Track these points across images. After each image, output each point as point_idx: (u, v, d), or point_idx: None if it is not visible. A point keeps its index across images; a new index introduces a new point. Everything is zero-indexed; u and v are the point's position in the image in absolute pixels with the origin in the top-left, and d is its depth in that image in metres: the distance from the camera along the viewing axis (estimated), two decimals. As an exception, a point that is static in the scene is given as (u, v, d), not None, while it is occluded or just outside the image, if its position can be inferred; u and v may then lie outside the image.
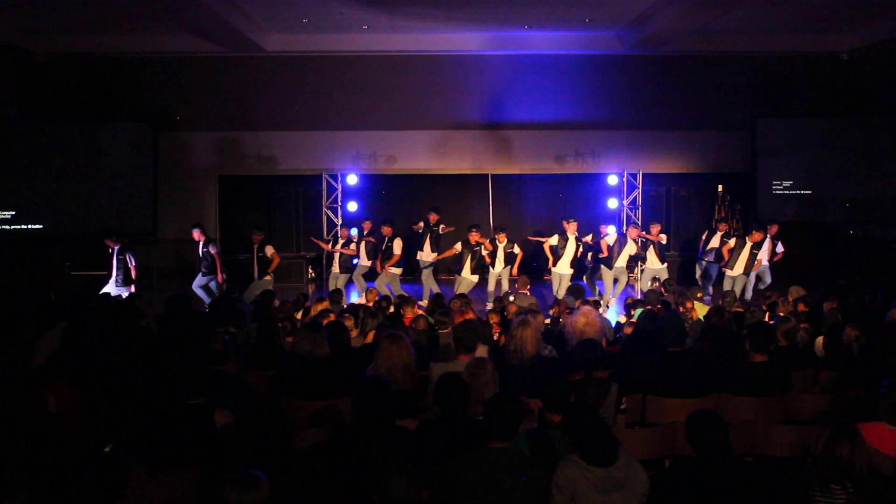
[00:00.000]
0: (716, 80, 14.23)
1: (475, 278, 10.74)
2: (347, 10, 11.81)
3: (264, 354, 5.74)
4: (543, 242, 11.05)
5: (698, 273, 12.12)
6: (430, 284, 11.24)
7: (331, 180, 13.80)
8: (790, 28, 13.06)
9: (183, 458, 3.39)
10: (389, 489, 2.65)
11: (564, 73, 14.26)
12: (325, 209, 13.77)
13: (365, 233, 11.49)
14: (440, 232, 11.43)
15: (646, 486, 3.13)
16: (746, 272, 10.62)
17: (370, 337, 6.41)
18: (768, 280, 11.33)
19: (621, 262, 10.87)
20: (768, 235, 11.27)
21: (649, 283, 10.75)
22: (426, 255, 11.37)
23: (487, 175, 14.31)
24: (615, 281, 10.98)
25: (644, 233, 11.07)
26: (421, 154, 14.40)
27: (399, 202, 14.28)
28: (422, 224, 11.59)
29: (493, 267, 10.93)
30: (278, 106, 14.21)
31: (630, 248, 10.84)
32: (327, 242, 12.03)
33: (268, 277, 10.60)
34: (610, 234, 11.10)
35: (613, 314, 9.88)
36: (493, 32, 13.39)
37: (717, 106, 14.28)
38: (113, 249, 10.57)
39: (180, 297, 7.50)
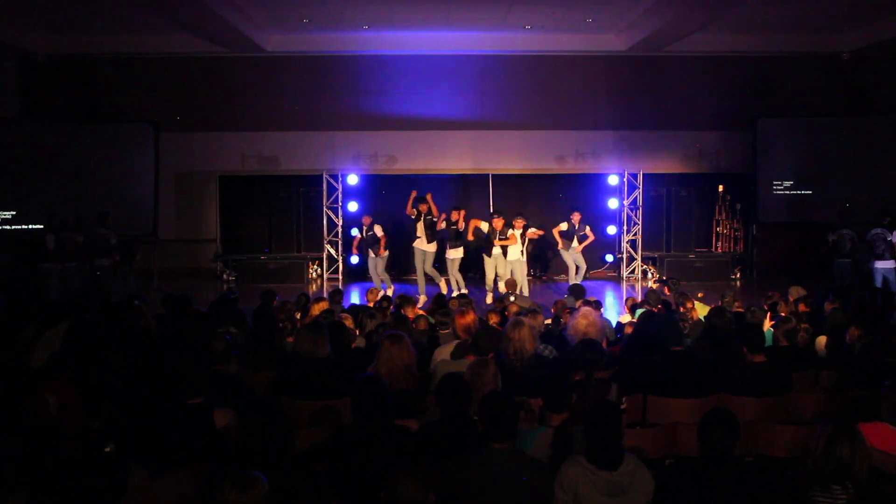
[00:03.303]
0: (716, 80, 14.23)
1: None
2: (348, 9, 11.82)
3: (264, 354, 5.74)
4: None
5: None
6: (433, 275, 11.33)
7: (331, 180, 13.80)
8: (790, 28, 13.07)
9: (183, 457, 3.38)
10: (398, 491, 2.66)
11: (564, 73, 14.27)
12: (325, 209, 13.77)
13: (365, 228, 11.48)
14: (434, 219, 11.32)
15: (650, 494, 3.12)
16: None
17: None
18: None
19: (576, 242, 11.84)
20: None
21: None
22: (427, 245, 11.27)
23: (487, 175, 14.30)
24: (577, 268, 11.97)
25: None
26: (421, 154, 14.41)
27: (399, 202, 14.24)
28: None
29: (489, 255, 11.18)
30: (278, 106, 14.22)
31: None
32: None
33: None
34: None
35: (614, 314, 9.88)
36: (493, 32, 13.40)
37: (717, 106, 14.28)
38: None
39: (180, 297, 7.49)
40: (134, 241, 12.59)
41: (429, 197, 11.35)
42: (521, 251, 11.02)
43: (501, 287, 10.23)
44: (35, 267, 10.82)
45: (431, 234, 11.22)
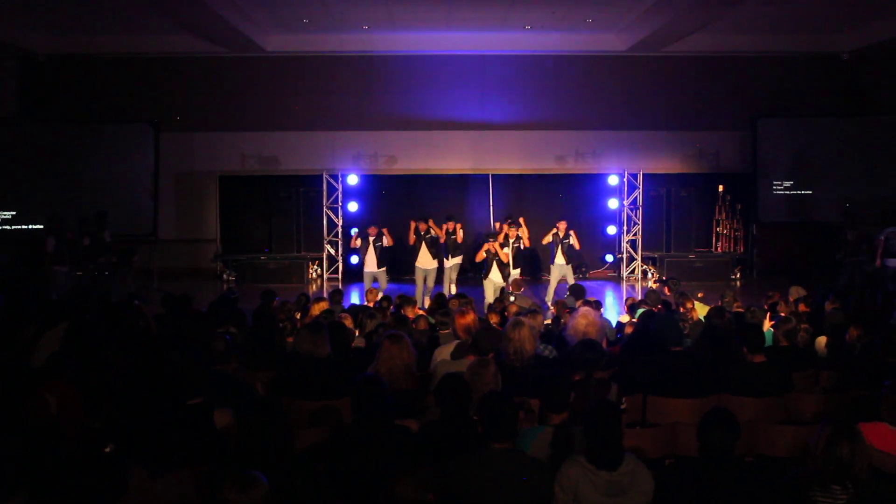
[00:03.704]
0: (716, 80, 14.24)
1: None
2: (348, 10, 11.82)
3: (264, 354, 5.74)
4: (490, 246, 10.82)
5: None
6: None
7: (331, 181, 13.80)
8: (790, 28, 13.08)
9: (183, 457, 3.38)
10: (398, 491, 2.66)
11: (564, 73, 14.28)
12: (325, 209, 13.78)
13: (372, 238, 11.28)
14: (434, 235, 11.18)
15: (650, 494, 3.12)
16: None
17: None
18: None
19: (559, 259, 11.11)
20: None
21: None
22: (429, 262, 11.13)
23: (488, 175, 14.31)
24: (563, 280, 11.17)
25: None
26: (421, 154, 14.41)
27: (400, 202, 14.26)
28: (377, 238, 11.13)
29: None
30: (278, 106, 14.23)
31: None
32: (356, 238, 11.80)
33: None
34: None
35: (614, 314, 9.87)
36: (493, 32, 13.40)
37: (717, 106, 14.29)
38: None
39: (180, 297, 7.49)
40: (132, 241, 12.58)
41: (430, 222, 11.25)
42: (519, 267, 10.87)
43: None
44: (37, 268, 10.82)
45: (436, 252, 11.14)
